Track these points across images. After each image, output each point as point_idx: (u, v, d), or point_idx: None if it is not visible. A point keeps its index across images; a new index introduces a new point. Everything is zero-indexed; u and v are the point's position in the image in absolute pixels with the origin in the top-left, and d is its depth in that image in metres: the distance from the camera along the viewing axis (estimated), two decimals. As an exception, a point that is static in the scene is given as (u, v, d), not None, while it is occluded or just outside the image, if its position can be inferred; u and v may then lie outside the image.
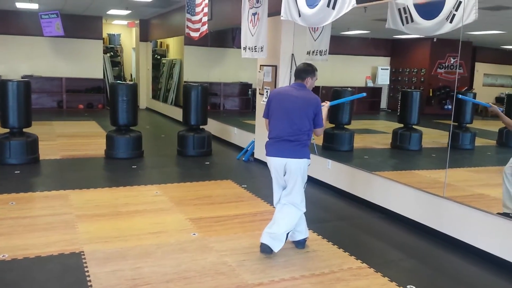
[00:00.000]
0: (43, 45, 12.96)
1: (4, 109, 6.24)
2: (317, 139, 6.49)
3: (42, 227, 4.03)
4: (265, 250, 3.56)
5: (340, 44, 13.28)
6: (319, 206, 5.14)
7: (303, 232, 3.78)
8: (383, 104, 15.46)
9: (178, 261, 3.44)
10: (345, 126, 7.86)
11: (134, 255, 3.51)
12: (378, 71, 15.14)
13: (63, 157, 6.97)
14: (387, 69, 15.26)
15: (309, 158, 3.62)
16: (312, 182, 5.97)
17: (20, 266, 3.27)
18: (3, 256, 3.38)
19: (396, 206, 4.67)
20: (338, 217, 4.80)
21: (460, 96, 7.01)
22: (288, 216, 3.58)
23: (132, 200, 4.98)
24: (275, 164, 3.62)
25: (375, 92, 15.30)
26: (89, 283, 3.04)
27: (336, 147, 7.73)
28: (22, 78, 11.20)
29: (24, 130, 6.51)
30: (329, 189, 5.66)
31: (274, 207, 4.86)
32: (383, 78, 15.14)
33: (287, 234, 3.60)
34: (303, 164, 3.56)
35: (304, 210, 3.67)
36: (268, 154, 3.67)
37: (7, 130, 6.41)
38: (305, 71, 3.70)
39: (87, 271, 3.21)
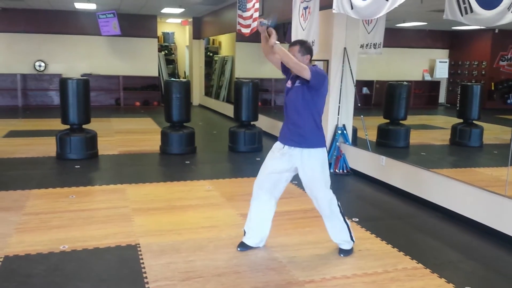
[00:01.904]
0: (100, 44, 13.47)
1: (64, 106, 6.53)
2: (370, 136, 6.34)
3: (100, 220, 4.19)
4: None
5: (395, 37, 12.93)
6: (372, 204, 5.02)
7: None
8: (441, 98, 14.89)
9: (229, 256, 3.47)
10: (401, 122, 7.63)
11: (187, 248, 3.58)
12: (436, 64, 14.58)
13: (120, 153, 7.22)
14: (446, 62, 14.67)
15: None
16: (365, 179, 5.85)
17: (79, 257, 3.41)
18: (63, 247, 3.54)
19: (455, 205, 4.47)
20: (392, 215, 4.67)
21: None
22: None
23: (185, 194, 5.08)
24: None
25: (432, 86, 14.78)
26: (144, 275, 3.13)
27: (390, 143, 7.53)
28: (81, 76, 11.69)
29: (84, 126, 6.78)
30: (383, 186, 5.51)
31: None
32: (442, 72, 14.56)
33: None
34: None
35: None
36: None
37: (68, 127, 6.70)
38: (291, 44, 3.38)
39: (143, 263, 3.30)
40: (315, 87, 3.23)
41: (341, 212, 3.48)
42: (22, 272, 3.13)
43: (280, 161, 3.39)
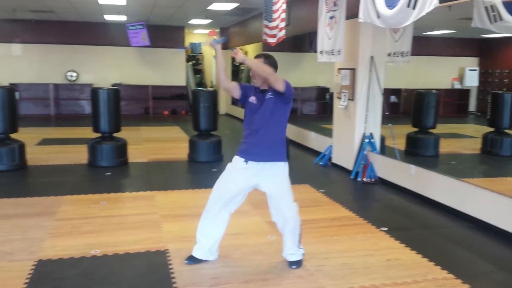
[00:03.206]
0: (130, 55, 13.77)
1: (96, 115, 6.69)
2: (398, 144, 6.29)
3: (130, 226, 4.27)
4: None
5: (424, 45, 12.77)
6: (402, 213, 4.96)
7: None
8: (472, 107, 14.60)
9: (257, 263, 3.49)
10: (430, 130, 7.52)
11: (214, 255, 3.61)
12: (466, 72, 14.32)
13: (149, 160, 7.34)
14: (476, 70, 14.39)
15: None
16: (393, 188, 5.79)
17: (110, 261, 3.48)
18: (95, 252, 3.62)
19: (486, 215, 4.37)
20: (422, 225, 4.60)
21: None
22: None
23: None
24: None
25: (462, 94, 14.51)
26: (173, 280, 3.17)
27: (420, 152, 7.43)
28: (111, 86, 11.95)
29: (114, 134, 6.93)
30: (412, 196, 5.44)
31: (352, 213, 4.79)
32: (471, 80, 14.29)
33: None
34: None
35: None
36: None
37: (99, 135, 6.86)
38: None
39: (171, 269, 3.35)
40: (288, 97, 3.21)
41: (300, 226, 3.43)
42: (55, 275, 3.22)
43: (243, 177, 3.26)
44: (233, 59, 3.34)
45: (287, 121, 3.35)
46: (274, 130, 3.24)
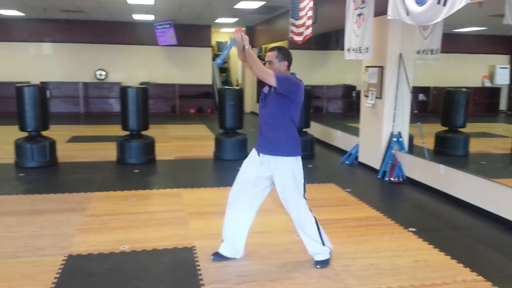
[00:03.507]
0: (157, 54, 13.93)
1: (125, 113, 6.81)
2: (427, 144, 6.18)
3: (158, 222, 4.33)
4: None
5: (453, 42, 12.50)
6: (430, 213, 4.88)
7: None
8: (502, 105, 14.22)
9: (282, 261, 3.49)
10: (459, 129, 7.37)
11: (240, 253, 3.63)
12: (497, 70, 13.96)
13: (176, 158, 7.43)
14: (507, 67, 14.01)
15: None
16: (422, 188, 5.70)
17: (138, 257, 3.54)
18: (124, 247, 3.69)
19: (518, 216, 4.27)
20: (450, 226, 4.51)
21: None
22: None
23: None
24: None
25: (493, 92, 14.15)
26: (199, 277, 3.21)
27: (449, 151, 7.29)
28: (139, 84, 12.12)
29: (142, 132, 7.03)
30: (441, 196, 5.34)
31: (379, 213, 4.74)
32: (502, 78, 13.92)
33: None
34: None
35: None
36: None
37: (128, 133, 6.97)
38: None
39: (198, 265, 3.39)
40: (284, 94, 3.13)
41: (316, 222, 3.35)
42: (84, 270, 3.29)
43: (256, 169, 3.29)
44: (259, 56, 3.33)
45: (297, 117, 3.28)
46: (276, 125, 3.22)
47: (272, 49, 3.26)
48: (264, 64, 3.21)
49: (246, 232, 3.46)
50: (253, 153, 3.37)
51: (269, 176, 3.31)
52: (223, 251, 3.48)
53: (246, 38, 3.11)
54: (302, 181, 3.31)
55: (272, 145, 3.23)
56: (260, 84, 14.85)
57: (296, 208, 3.32)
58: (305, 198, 3.33)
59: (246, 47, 3.07)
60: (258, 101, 14.52)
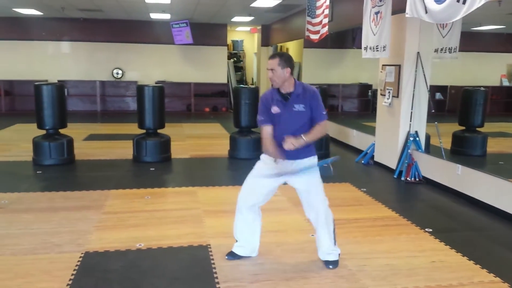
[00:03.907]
0: (173, 53, 14.00)
1: (141, 111, 6.85)
2: (444, 143, 6.11)
3: (173, 220, 4.36)
4: None
5: (471, 41, 12.34)
6: (447, 214, 4.82)
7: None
8: (521, 105, 13.97)
9: (297, 261, 3.48)
10: (477, 129, 7.27)
11: (255, 251, 3.63)
12: (516, 69, 13.72)
13: (191, 156, 7.46)
14: (526, 66, 13.76)
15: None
16: (438, 188, 5.64)
17: (154, 254, 3.56)
18: (140, 245, 3.72)
19: (538, 217, 4.19)
20: (468, 227, 4.46)
21: None
22: None
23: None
24: None
25: (511, 92, 13.91)
26: (215, 275, 3.22)
27: (466, 151, 7.20)
28: (155, 83, 12.20)
29: (158, 131, 7.07)
30: (458, 196, 5.28)
31: (395, 213, 4.70)
32: (521, 77, 13.67)
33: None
34: None
35: None
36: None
37: (144, 131, 7.02)
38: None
39: (213, 264, 3.40)
40: (312, 107, 3.20)
41: (333, 221, 3.37)
42: (101, 267, 3.32)
43: (275, 178, 3.27)
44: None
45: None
46: (308, 129, 3.22)
47: (273, 56, 3.22)
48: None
49: (259, 231, 3.48)
50: (268, 160, 3.33)
51: (282, 181, 3.33)
52: (238, 250, 3.49)
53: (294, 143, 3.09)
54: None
55: (306, 149, 3.22)
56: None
57: (323, 206, 3.32)
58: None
59: (304, 141, 3.12)
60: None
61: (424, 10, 4.76)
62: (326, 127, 3.16)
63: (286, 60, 3.18)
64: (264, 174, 3.29)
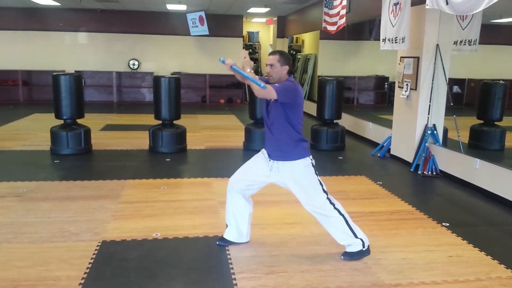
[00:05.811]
0: (189, 44, 14.01)
1: (157, 102, 6.88)
2: (461, 137, 6.02)
3: (189, 211, 4.39)
4: None
5: (490, 33, 12.08)
6: (464, 208, 4.77)
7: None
8: (542, 98, 13.69)
9: (312, 253, 3.48)
10: (496, 123, 7.16)
11: (270, 243, 3.64)
12: (536, 62, 13.42)
13: (206, 148, 7.49)
14: (548, 59, 13.46)
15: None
16: (456, 182, 5.58)
17: (170, 244, 3.60)
18: (156, 234, 3.75)
19: (558, 213, 4.12)
20: (486, 222, 4.40)
21: None
22: None
23: (268, 190, 5.04)
24: None
25: (532, 85, 13.64)
26: (230, 266, 3.24)
27: (484, 145, 7.10)
28: (171, 74, 12.24)
29: (174, 122, 7.10)
30: (476, 191, 5.21)
31: (411, 207, 4.66)
32: (542, 70, 13.38)
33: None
34: None
35: None
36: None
37: (160, 122, 7.06)
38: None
39: (229, 254, 3.41)
40: (286, 103, 3.15)
41: (340, 213, 3.30)
42: (118, 256, 3.36)
43: (262, 169, 3.35)
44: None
45: (300, 119, 3.28)
46: (280, 131, 3.23)
47: (274, 52, 3.28)
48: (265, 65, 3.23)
49: (247, 217, 3.54)
50: (264, 154, 3.38)
51: (276, 181, 3.36)
52: (228, 235, 3.56)
53: (247, 65, 3.14)
54: (316, 177, 3.28)
55: (281, 151, 3.25)
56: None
57: (317, 204, 3.28)
58: (326, 192, 3.30)
59: (248, 71, 3.11)
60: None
61: (445, 1, 4.68)
62: (266, 93, 3.02)
63: (285, 58, 3.26)
64: (259, 165, 3.39)
